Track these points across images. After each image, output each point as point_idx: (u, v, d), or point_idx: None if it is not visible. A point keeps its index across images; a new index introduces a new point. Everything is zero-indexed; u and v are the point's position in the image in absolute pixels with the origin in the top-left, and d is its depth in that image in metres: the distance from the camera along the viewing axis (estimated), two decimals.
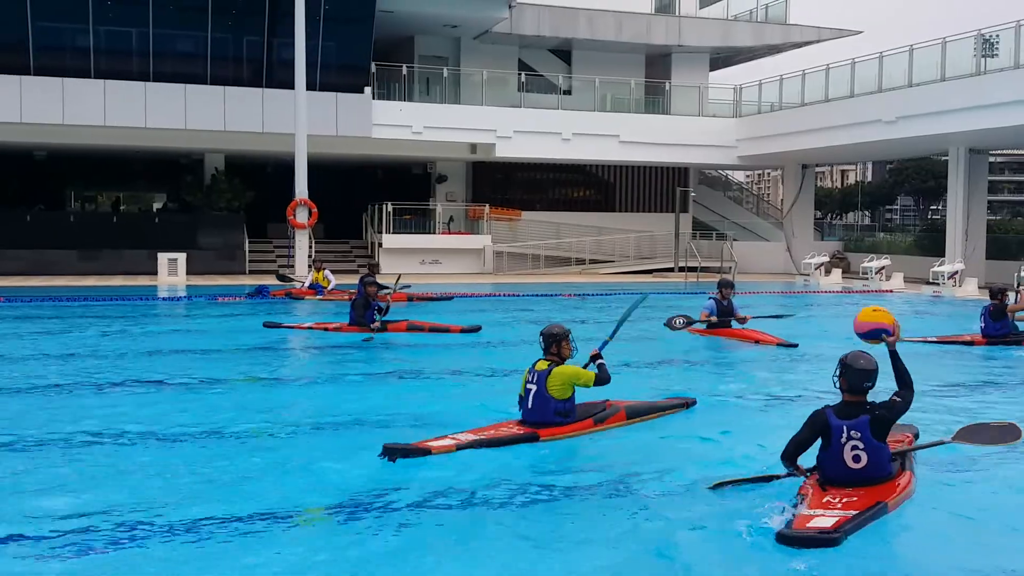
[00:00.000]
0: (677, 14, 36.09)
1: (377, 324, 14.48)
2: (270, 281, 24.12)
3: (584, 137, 32.35)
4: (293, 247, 27.31)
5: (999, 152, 67.37)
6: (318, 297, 20.85)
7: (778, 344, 13.87)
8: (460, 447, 7.22)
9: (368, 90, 29.43)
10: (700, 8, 37.60)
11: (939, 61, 26.63)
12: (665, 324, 14.50)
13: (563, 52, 35.74)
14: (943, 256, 28.00)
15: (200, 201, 30.40)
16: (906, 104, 27.10)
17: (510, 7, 30.98)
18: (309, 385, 10.94)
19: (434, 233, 31.80)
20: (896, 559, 5.44)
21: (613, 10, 34.05)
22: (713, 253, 32.67)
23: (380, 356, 12.98)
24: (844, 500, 5.75)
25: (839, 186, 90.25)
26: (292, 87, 26.38)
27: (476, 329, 15.01)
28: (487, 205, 32.66)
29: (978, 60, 25.60)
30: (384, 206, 30.72)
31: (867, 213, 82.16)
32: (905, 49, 27.86)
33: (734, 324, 14.79)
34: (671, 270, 32.78)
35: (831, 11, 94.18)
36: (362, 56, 29.24)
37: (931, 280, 26.50)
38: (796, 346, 13.76)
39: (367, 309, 14.72)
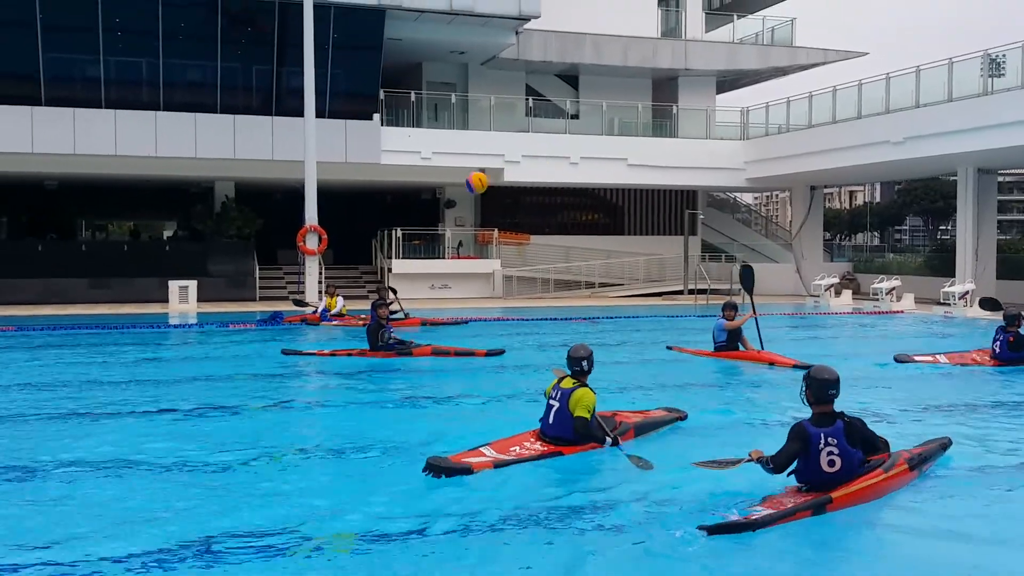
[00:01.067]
0: (683, 38, 36.26)
1: (405, 348, 14.76)
2: (280, 307, 24.17)
3: (592, 161, 32.45)
4: (303, 273, 27.39)
5: (1008, 172, 67.35)
6: (323, 323, 20.96)
7: (794, 366, 13.72)
8: (497, 465, 7.53)
9: (377, 117, 29.60)
10: (706, 32, 37.76)
11: (946, 81, 26.66)
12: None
13: (570, 77, 35.92)
14: (953, 276, 27.93)
15: (210, 229, 30.55)
16: (913, 125, 27.12)
17: (517, 33, 31.18)
18: (327, 410, 10.92)
19: (443, 258, 31.90)
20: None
21: (619, 35, 34.23)
22: (723, 275, 32.64)
23: (409, 380, 13.02)
24: (798, 500, 6.36)
25: (848, 207, 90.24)
26: (301, 115, 26.57)
27: (500, 352, 15.19)
28: (496, 229, 32.74)
29: (985, 80, 25.62)
30: (393, 231, 30.84)
31: (876, 234, 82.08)
32: (912, 70, 27.92)
33: (741, 347, 14.86)
34: (681, 293, 32.77)
35: (837, 33, 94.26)
36: (370, 83, 29.43)
37: (942, 300, 26.43)
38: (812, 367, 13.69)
39: (385, 332, 14.86)
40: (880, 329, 21.65)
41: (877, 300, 28.38)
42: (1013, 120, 23.86)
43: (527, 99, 34.03)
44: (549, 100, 35.13)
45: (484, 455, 7.70)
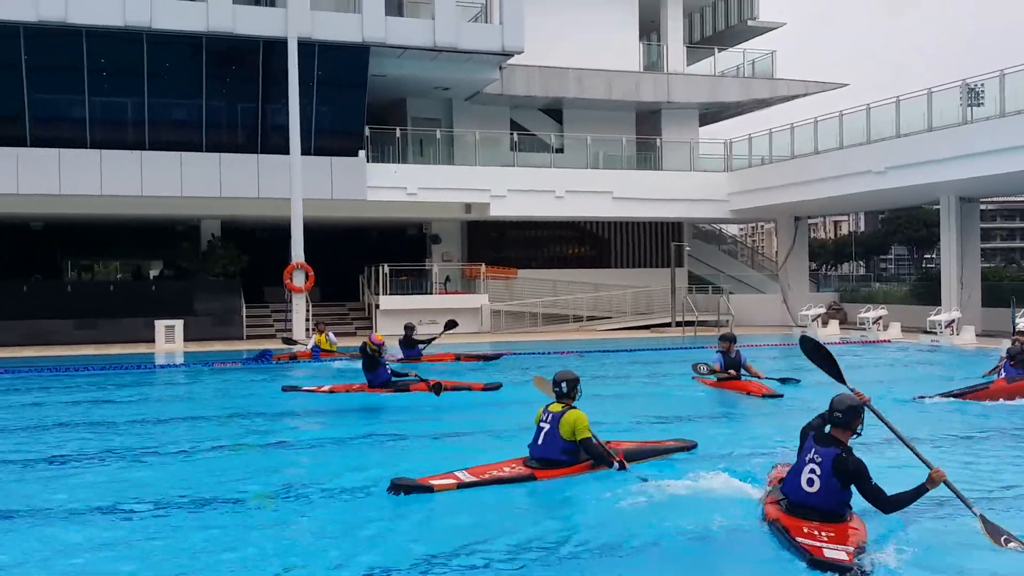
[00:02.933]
0: (665, 71, 36.59)
1: (402, 383, 14.78)
2: (268, 345, 24.07)
3: (577, 194, 32.59)
4: (290, 311, 27.32)
5: (990, 199, 67.93)
6: (313, 361, 20.92)
7: (763, 395, 14.08)
8: (461, 486, 7.88)
9: (362, 153, 29.69)
10: (688, 65, 38.14)
11: (926, 111, 26.93)
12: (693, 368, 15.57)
13: (554, 111, 36.16)
14: (939, 305, 28.05)
15: (196, 267, 30.49)
16: (895, 154, 27.34)
17: (500, 68, 31.42)
18: (320, 447, 10.85)
19: (431, 293, 31.87)
20: None
21: (602, 69, 34.53)
22: (710, 307, 32.72)
23: (406, 414, 13.05)
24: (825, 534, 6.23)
25: (832, 237, 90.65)
26: (287, 152, 26.65)
27: (497, 387, 15.24)
28: (483, 264, 32.78)
29: (964, 109, 25.88)
30: (380, 268, 30.83)
31: (861, 263, 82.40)
32: (892, 100, 28.21)
33: (744, 376, 14.95)
34: (669, 325, 32.80)
35: (817, 65, 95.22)
36: (356, 120, 29.55)
37: (928, 329, 26.53)
38: (781, 396, 13.98)
39: (381, 368, 14.86)
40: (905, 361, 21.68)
41: (864, 329, 28.47)
42: (993, 148, 24.06)
43: (512, 133, 34.21)
44: (534, 134, 35.34)
45: (456, 478, 8.04)
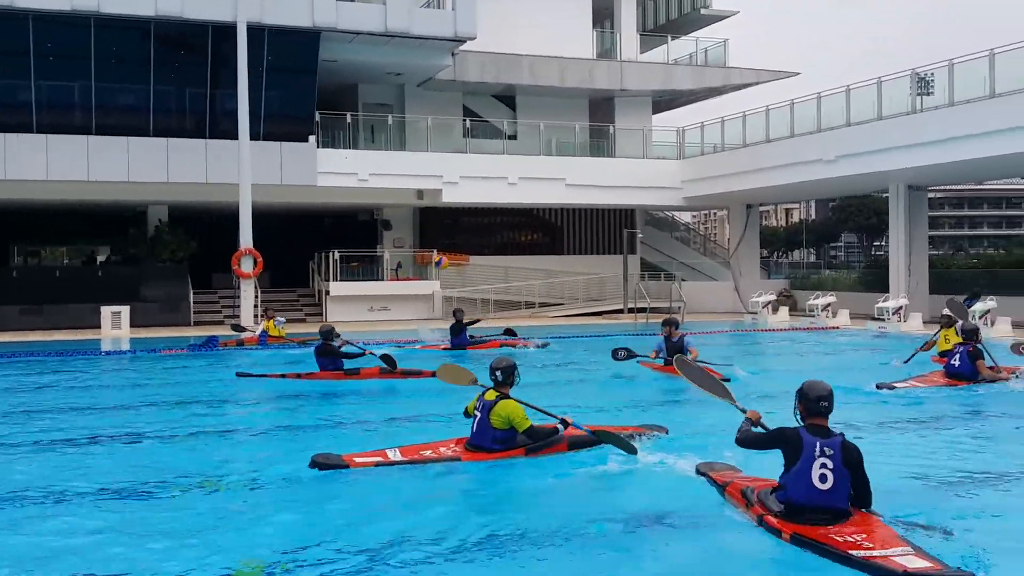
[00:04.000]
0: (619, 59, 36.59)
1: (352, 368, 14.68)
2: (216, 331, 23.74)
3: (530, 181, 32.51)
4: (239, 297, 27.00)
5: (938, 188, 68.93)
6: (260, 347, 20.73)
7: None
8: (380, 464, 8.06)
9: (313, 139, 29.35)
10: (641, 53, 38.18)
11: (876, 100, 27.17)
12: (612, 354, 15.81)
13: (507, 98, 36.02)
14: (887, 292, 28.40)
15: (144, 253, 30.02)
16: (845, 143, 27.58)
17: (453, 55, 31.21)
18: (263, 434, 10.70)
19: (382, 280, 31.66)
20: None
21: (556, 56, 34.45)
22: (662, 294, 32.85)
23: (355, 401, 12.98)
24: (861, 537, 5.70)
25: (784, 225, 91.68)
26: (236, 137, 26.27)
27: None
28: (435, 250, 32.62)
29: (914, 99, 26.16)
30: (331, 254, 30.55)
31: (812, 251, 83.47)
32: (842, 89, 28.42)
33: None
34: (621, 312, 32.90)
35: (770, 54, 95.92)
36: (306, 105, 29.20)
37: (876, 316, 26.84)
38: (728, 380, 13.90)
39: (332, 356, 14.76)
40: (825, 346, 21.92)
41: (813, 316, 28.75)
42: (941, 138, 24.34)
43: (464, 120, 34.04)
44: (487, 121, 35.18)
45: (384, 456, 8.25)
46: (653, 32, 39.89)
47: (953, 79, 24.81)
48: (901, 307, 26.64)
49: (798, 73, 38.81)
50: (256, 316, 25.98)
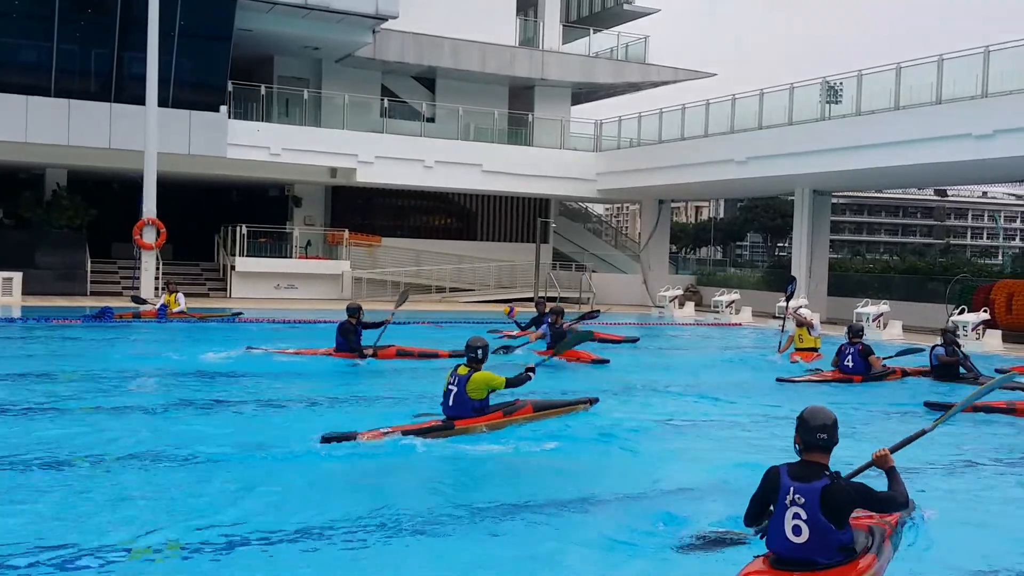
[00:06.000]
0: (541, 48, 36.55)
1: (370, 351, 14.67)
2: (114, 303, 22.97)
3: (447, 165, 32.27)
4: (139, 268, 26.20)
5: (841, 193, 70.81)
6: (159, 320, 20.23)
7: (591, 361, 15.62)
8: (386, 434, 8.72)
9: (224, 109, 28.56)
10: (563, 44, 38.20)
11: (787, 106, 27.76)
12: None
13: (427, 80, 35.67)
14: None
15: (39, 218, 28.83)
16: (756, 145, 28.10)
17: (374, 32, 30.73)
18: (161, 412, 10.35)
19: (290, 257, 31.09)
20: None
21: (478, 41, 34.20)
22: (572, 284, 33.01)
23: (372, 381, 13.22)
24: None
25: (693, 221, 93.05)
26: (143, 103, 25.40)
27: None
28: (347, 230, 32.16)
29: (823, 106, 26.79)
30: (238, 228, 29.85)
31: (719, 248, 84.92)
32: (756, 93, 28.93)
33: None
34: (531, 300, 32.93)
35: (689, 54, 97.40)
36: (218, 74, 28.39)
37: (777, 315, 27.38)
38: (608, 361, 15.60)
39: (356, 335, 14.70)
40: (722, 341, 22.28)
41: (718, 313, 29.22)
42: (848, 145, 25.01)
43: (382, 99, 33.61)
44: (405, 102, 34.79)
45: (383, 430, 8.85)
46: (576, 24, 39.96)
47: (861, 89, 25.48)
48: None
49: (715, 74, 39.39)
50: (157, 289, 25.25)
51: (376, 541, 6.04)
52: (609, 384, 13.35)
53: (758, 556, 5.31)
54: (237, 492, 7.01)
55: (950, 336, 15.15)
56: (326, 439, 8.51)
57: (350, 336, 14.61)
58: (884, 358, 15.14)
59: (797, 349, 17.47)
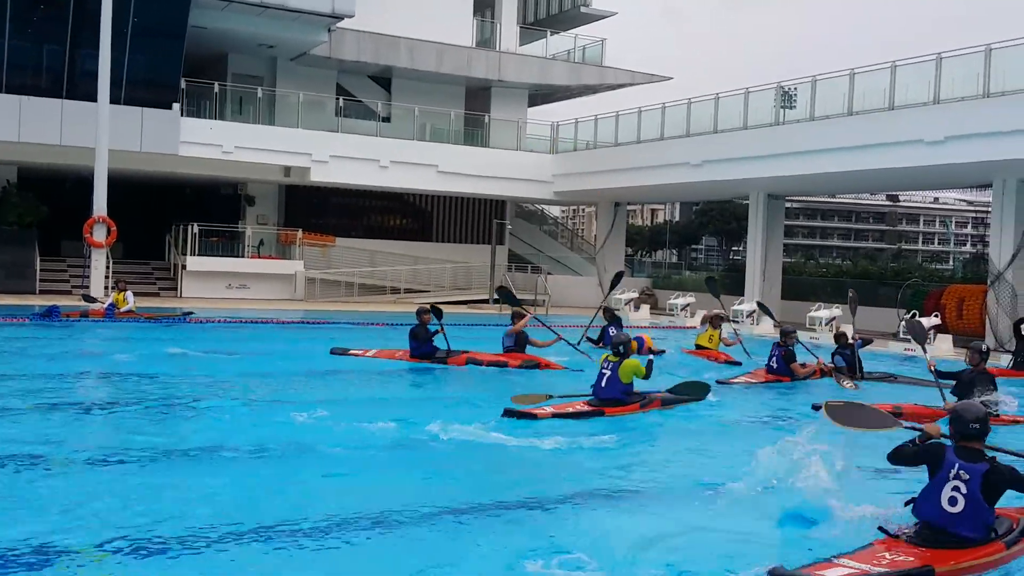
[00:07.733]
0: (498, 49, 36.57)
1: (441, 354, 14.93)
2: (63, 301, 22.59)
3: (402, 165, 32.14)
4: (89, 267, 25.79)
5: (795, 198, 71.67)
6: (106, 319, 20.02)
7: (564, 368, 15.31)
8: (556, 415, 10.35)
9: (177, 106, 28.22)
10: (520, 45, 38.25)
11: (742, 110, 28.02)
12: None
13: (383, 79, 35.52)
14: (743, 295, 29.29)
15: None
16: (711, 149, 28.32)
17: (329, 31, 30.54)
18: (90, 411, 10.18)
19: (242, 257, 30.78)
20: None
21: (434, 41, 34.12)
22: (528, 286, 33.05)
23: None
24: (897, 558, 5.49)
25: (649, 224, 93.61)
26: (95, 99, 25.02)
27: (531, 367, 15.27)
28: (300, 230, 31.90)
29: (777, 111, 27.08)
30: (190, 227, 29.48)
31: (674, 251, 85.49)
32: (711, 97, 29.17)
33: (529, 350, 15.67)
34: (486, 302, 32.94)
35: (646, 57, 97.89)
36: (171, 71, 28.05)
37: (731, 318, 27.61)
38: (582, 372, 15.17)
39: (426, 340, 14.89)
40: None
41: (673, 315, 29.40)
42: (802, 149, 25.32)
43: (338, 98, 33.41)
44: (360, 101, 34.60)
45: (546, 410, 10.52)
46: (533, 26, 40.04)
47: (815, 95, 25.78)
48: (754, 310, 27.47)
49: (671, 78, 39.61)
50: (107, 288, 24.88)
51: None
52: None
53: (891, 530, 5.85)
54: (205, 496, 6.91)
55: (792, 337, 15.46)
56: (508, 413, 10.18)
57: (420, 340, 14.94)
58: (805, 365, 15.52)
59: (698, 347, 18.60)
